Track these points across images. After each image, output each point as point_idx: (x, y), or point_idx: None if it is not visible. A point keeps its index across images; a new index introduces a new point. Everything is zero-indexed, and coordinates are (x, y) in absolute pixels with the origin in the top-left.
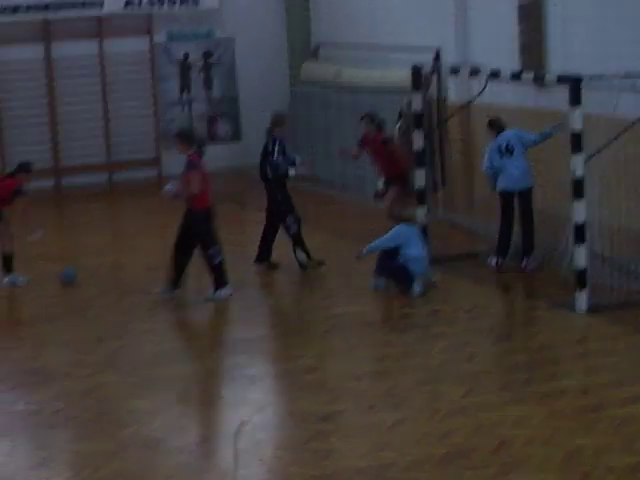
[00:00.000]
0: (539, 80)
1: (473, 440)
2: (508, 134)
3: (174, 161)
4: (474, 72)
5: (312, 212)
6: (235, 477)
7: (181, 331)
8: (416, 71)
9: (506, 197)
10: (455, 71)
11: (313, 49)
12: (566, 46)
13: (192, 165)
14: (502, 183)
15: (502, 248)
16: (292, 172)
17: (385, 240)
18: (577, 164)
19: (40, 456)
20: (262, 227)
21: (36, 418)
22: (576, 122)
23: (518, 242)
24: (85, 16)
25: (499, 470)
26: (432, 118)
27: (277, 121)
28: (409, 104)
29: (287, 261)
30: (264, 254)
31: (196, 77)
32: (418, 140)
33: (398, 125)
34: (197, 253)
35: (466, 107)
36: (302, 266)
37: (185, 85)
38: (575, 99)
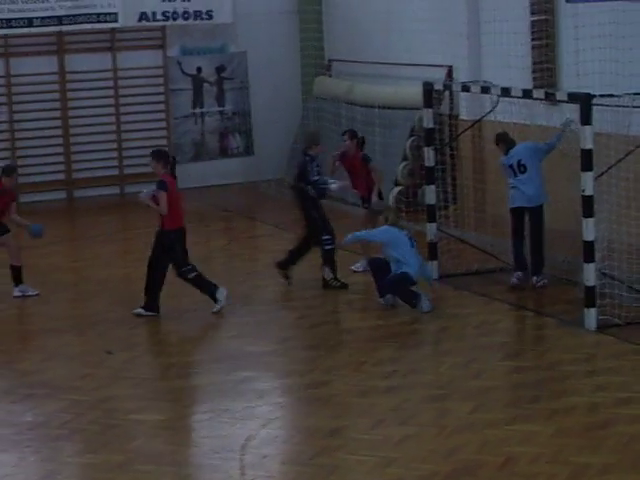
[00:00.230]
0: (550, 98)
1: (480, 457)
2: (519, 150)
3: (186, 175)
4: (485, 90)
5: None
6: None
7: (189, 344)
8: (427, 88)
9: (518, 214)
10: (466, 89)
11: (326, 64)
12: (578, 64)
13: (163, 186)
14: (515, 201)
15: (521, 264)
16: (334, 185)
17: (371, 234)
18: (587, 182)
19: (47, 468)
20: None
21: (43, 430)
22: (587, 140)
23: (528, 259)
24: (99, 29)
25: None
26: (444, 135)
27: (312, 140)
28: (421, 120)
29: (298, 275)
30: (288, 263)
31: (209, 91)
32: (429, 157)
33: (410, 141)
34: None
35: (477, 124)
36: (326, 284)
37: (198, 99)
38: (586, 117)
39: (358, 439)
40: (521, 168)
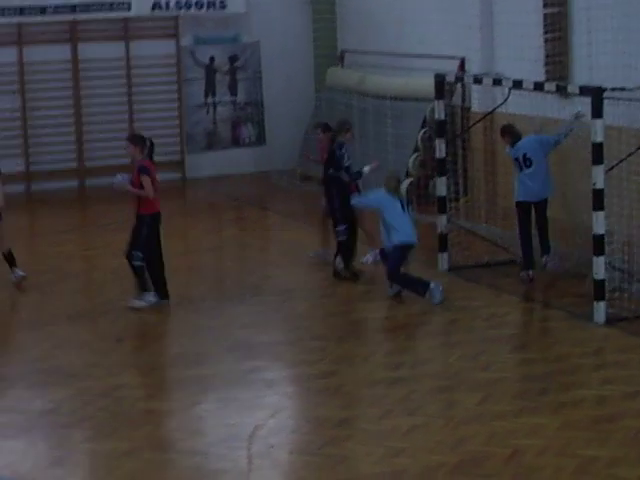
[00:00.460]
0: (562, 91)
1: (487, 448)
2: (525, 144)
3: (198, 164)
4: (497, 82)
5: None
6: None
7: (199, 333)
8: (439, 79)
9: (524, 208)
10: (478, 81)
11: (338, 55)
12: (591, 57)
13: (146, 170)
14: (520, 195)
15: (528, 260)
16: (366, 169)
17: (367, 200)
18: (598, 175)
19: (55, 455)
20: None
21: (52, 417)
22: (597, 133)
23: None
24: (112, 18)
25: (511, 479)
26: (455, 127)
27: (343, 127)
28: (432, 112)
29: (308, 266)
30: (347, 263)
31: (221, 81)
32: (440, 148)
33: (421, 133)
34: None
35: (489, 116)
36: (337, 274)
37: (210, 89)
38: (597, 110)
39: (366, 429)
40: (527, 162)
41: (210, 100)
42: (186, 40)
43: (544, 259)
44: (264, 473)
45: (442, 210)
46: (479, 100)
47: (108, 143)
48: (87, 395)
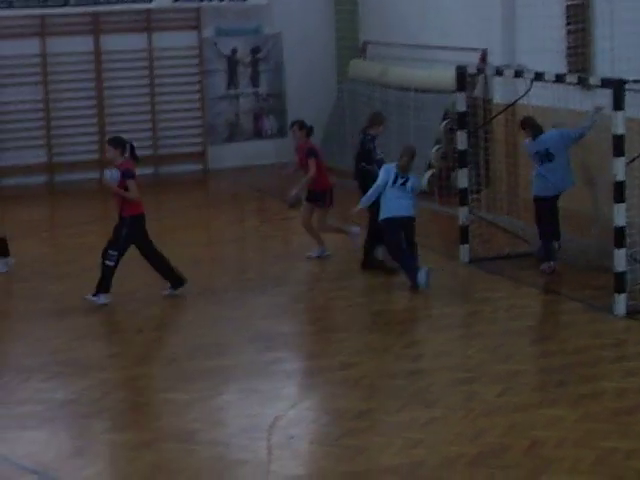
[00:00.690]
0: (583, 83)
1: (505, 440)
2: (547, 138)
3: (220, 155)
4: (518, 74)
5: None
6: (268, 471)
7: (219, 324)
8: (460, 71)
9: (543, 203)
10: (500, 72)
11: (361, 47)
12: (613, 49)
13: (130, 174)
14: (540, 190)
15: (549, 252)
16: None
17: (376, 186)
18: (618, 167)
19: (76, 446)
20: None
21: (73, 408)
22: (619, 125)
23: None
24: (134, 9)
25: (530, 471)
26: (477, 118)
27: (376, 120)
28: (454, 104)
29: (328, 257)
30: (369, 255)
31: (243, 72)
32: (462, 140)
33: (444, 124)
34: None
35: (510, 108)
36: (385, 268)
37: (232, 80)
38: (618, 102)
39: (385, 421)
40: (549, 156)
41: (232, 92)
42: (208, 32)
43: (556, 245)
44: (284, 463)
45: (463, 202)
46: (501, 92)
47: (131, 134)
48: (107, 386)
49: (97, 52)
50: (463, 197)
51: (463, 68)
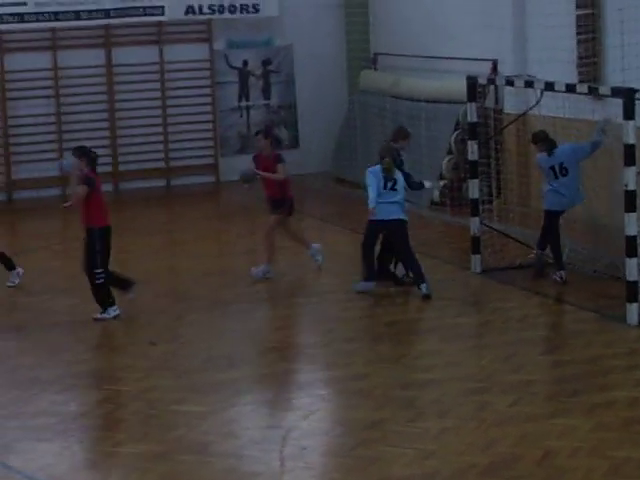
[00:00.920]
0: (594, 92)
1: (518, 450)
2: (562, 153)
3: (231, 167)
4: (529, 84)
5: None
6: None
7: (231, 336)
8: (471, 82)
9: (555, 216)
10: (510, 83)
11: (371, 58)
12: (624, 58)
13: (90, 182)
14: (555, 204)
15: (561, 262)
16: (428, 184)
17: (374, 188)
18: (629, 177)
19: (89, 458)
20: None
21: (85, 420)
22: (629, 135)
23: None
24: (146, 22)
25: None
26: (489, 129)
27: (401, 134)
28: (465, 114)
29: (340, 268)
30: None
31: (255, 84)
32: (473, 150)
33: (455, 135)
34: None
35: (521, 118)
36: (397, 280)
37: (244, 92)
38: (629, 112)
39: (398, 431)
40: (563, 171)
41: (243, 103)
42: (219, 44)
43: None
44: (297, 475)
45: (475, 212)
46: (511, 102)
47: (142, 147)
48: (120, 398)
49: (109, 65)
50: (474, 208)
51: (474, 78)
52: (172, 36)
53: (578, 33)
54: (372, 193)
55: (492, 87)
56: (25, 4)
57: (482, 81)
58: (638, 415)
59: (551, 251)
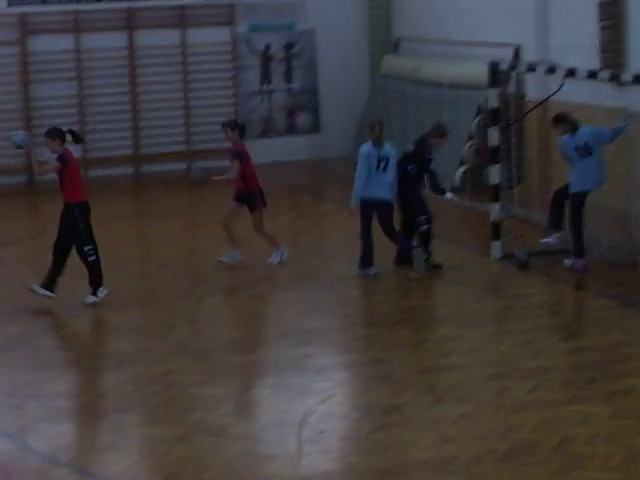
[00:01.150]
0: (616, 79)
1: (536, 436)
2: (585, 132)
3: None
4: (551, 70)
5: None
6: (298, 466)
7: (252, 320)
8: (493, 67)
9: (582, 198)
10: (532, 69)
11: (394, 43)
12: None
13: (63, 160)
14: (580, 185)
15: (581, 249)
16: (449, 195)
17: (359, 174)
18: None
19: (107, 440)
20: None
21: (105, 402)
22: None
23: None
24: (168, 5)
25: (560, 467)
26: (510, 114)
27: (439, 131)
28: (487, 100)
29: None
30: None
31: (277, 68)
32: (494, 136)
33: (476, 121)
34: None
35: (543, 104)
36: (417, 266)
37: (266, 76)
38: None
39: (416, 416)
40: (588, 150)
41: (265, 87)
42: (242, 27)
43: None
44: (314, 458)
45: (495, 198)
46: (533, 88)
47: (164, 130)
48: (139, 380)
49: (131, 48)
50: (495, 193)
51: (496, 64)
52: (194, 19)
53: (601, 19)
54: (358, 185)
55: (514, 73)
56: None
57: (504, 67)
58: None
59: (572, 237)
